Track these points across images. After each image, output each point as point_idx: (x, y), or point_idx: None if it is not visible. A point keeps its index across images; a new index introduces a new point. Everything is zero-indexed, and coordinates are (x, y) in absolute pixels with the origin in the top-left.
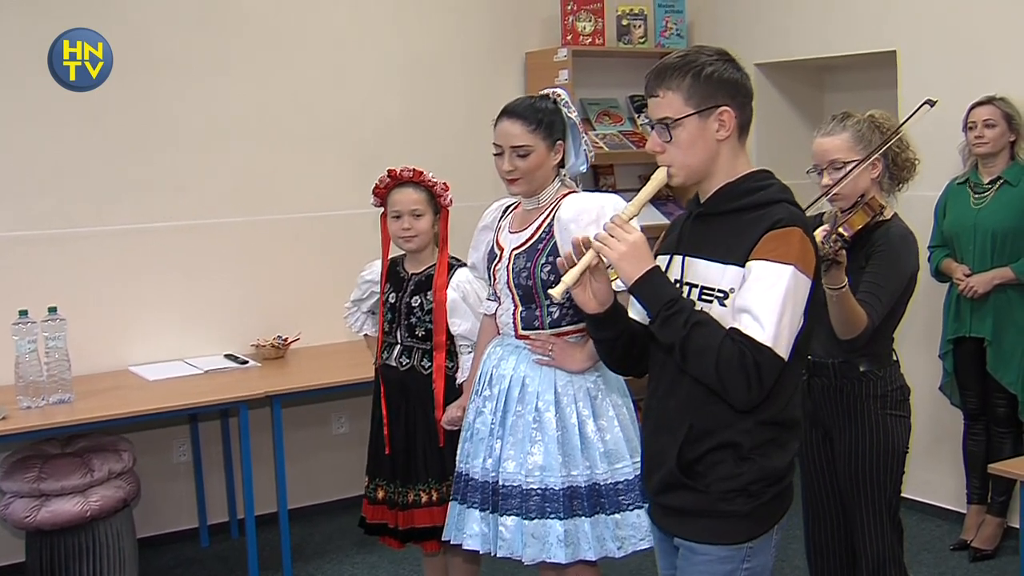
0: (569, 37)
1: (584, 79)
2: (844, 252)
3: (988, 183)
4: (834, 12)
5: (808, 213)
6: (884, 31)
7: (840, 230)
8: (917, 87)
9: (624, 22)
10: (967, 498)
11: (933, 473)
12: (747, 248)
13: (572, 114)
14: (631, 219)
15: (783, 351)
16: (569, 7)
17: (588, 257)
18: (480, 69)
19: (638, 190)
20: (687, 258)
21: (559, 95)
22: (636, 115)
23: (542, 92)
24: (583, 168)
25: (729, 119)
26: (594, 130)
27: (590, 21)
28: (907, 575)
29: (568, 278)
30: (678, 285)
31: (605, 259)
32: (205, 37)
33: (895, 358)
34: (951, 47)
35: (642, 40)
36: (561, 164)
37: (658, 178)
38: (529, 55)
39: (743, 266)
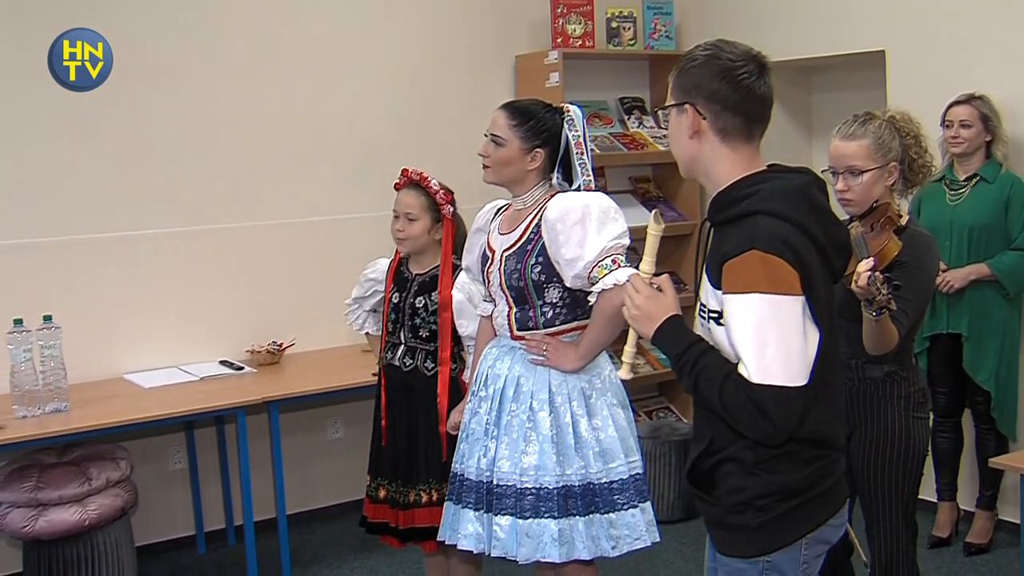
0: (559, 40)
1: (574, 81)
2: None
3: (963, 180)
4: (822, 13)
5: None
6: (872, 31)
7: (883, 274)
8: (906, 87)
9: (614, 24)
10: (937, 495)
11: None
12: (715, 269)
13: (573, 133)
14: (649, 276)
15: (780, 380)
16: (559, 10)
17: (631, 332)
18: (470, 72)
19: (630, 192)
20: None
21: (569, 110)
22: (626, 117)
23: (561, 104)
24: (575, 188)
25: (693, 118)
26: None
27: (580, 24)
28: (919, 574)
29: (627, 357)
30: (695, 298)
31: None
32: (198, 44)
33: (914, 361)
34: (939, 47)
35: (631, 42)
36: (554, 172)
37: (651, 228)
38: (519, 58)
39: (716, 287)
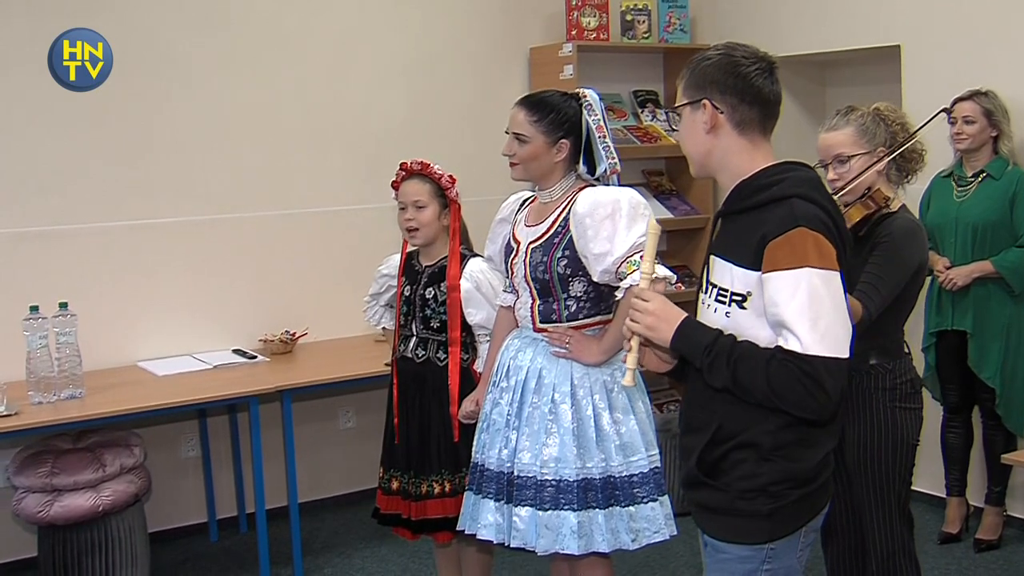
0: (574, 32)
1: (588, 74)
2: None
3: (971, 177)
4: (837, 6)
5: None
6: (889, 25)
7: None
8: (921, 82)
9: (628, 17)
10: (946, 491)
11: (937, 464)
12: (748, 251)
13: (593, 118)
14: (650, 280)
15: (833, 351)
16: (574, 2)
17: (634, 340)
18: (485, 65)
19: (643, 185)
20: (712, 256)
21: (585, 95)
22: (640, 110)
23: (576, 90)
24: (601, 172)
25: (711, 113)
26: None
27: (594, 16)
28: (918, 565)
29: (630, 363)
30: (705, 284)
31: (640, 336)
32: (212, 35)
33: (907, 350)
34: (956, 41)
35: (646, 35)
36: (579, 161)
37: (651, 228)
38: (534, 50)
39: (748, 268)
